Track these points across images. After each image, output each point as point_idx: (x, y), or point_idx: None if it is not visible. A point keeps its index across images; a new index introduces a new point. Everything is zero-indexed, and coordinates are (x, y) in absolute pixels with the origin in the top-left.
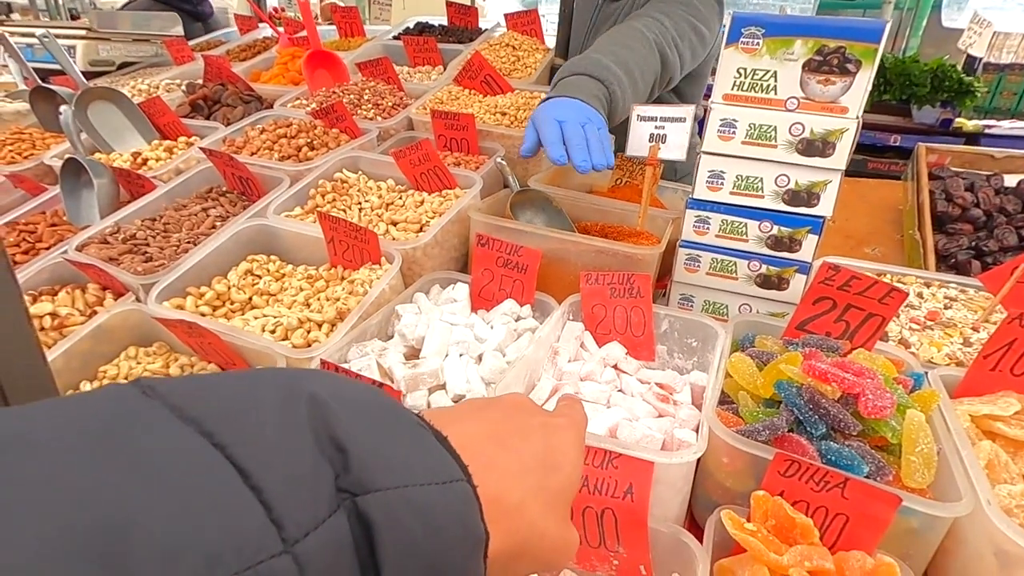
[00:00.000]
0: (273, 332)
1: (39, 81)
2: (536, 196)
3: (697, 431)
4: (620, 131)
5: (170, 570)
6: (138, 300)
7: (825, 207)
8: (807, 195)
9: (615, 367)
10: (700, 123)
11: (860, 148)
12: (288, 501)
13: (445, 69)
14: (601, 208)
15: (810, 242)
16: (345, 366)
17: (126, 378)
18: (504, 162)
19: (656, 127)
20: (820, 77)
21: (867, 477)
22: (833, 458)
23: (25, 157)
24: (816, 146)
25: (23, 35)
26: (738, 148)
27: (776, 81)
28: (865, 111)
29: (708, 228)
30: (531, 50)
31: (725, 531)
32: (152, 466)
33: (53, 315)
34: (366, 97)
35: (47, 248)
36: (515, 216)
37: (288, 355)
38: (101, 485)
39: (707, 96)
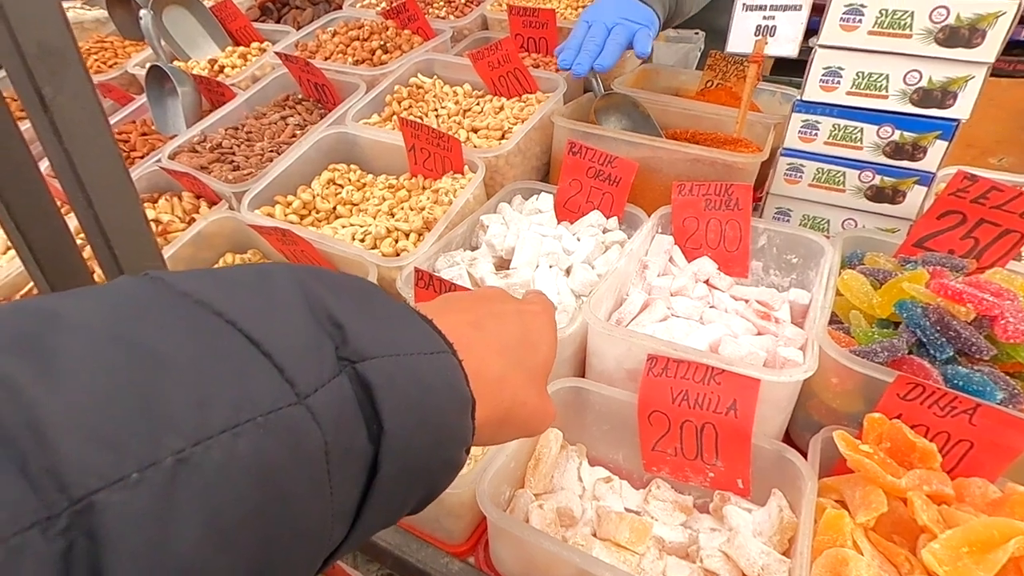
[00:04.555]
0: (363, 241)
1: None
2: (621, 100)
3: (803, 350)
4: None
5: (204, 414)
6: (231, 208)
7: (962, 108)
8: (941, 94)
9: (707, 282)
10: None
11: None
12: (297, 364)
13: None
14: (692, 113)
15: (937, 149)
16: (436, 275)
17: None
18: None
19: (765, 17)
20: None
21: (999, 404)
22: (961, 383)
23: (110, 66)
24: (961, 35)
25: None
26: (863, 40)
27: None
28: None
29: (816, 134)
30: None
31: (828, 451)
32: (174, 337)
33: (156, 221)
34: None
35: (141, 157)
36: (599, 122)
37: (379, 263)
38: (133, 351)
39: None
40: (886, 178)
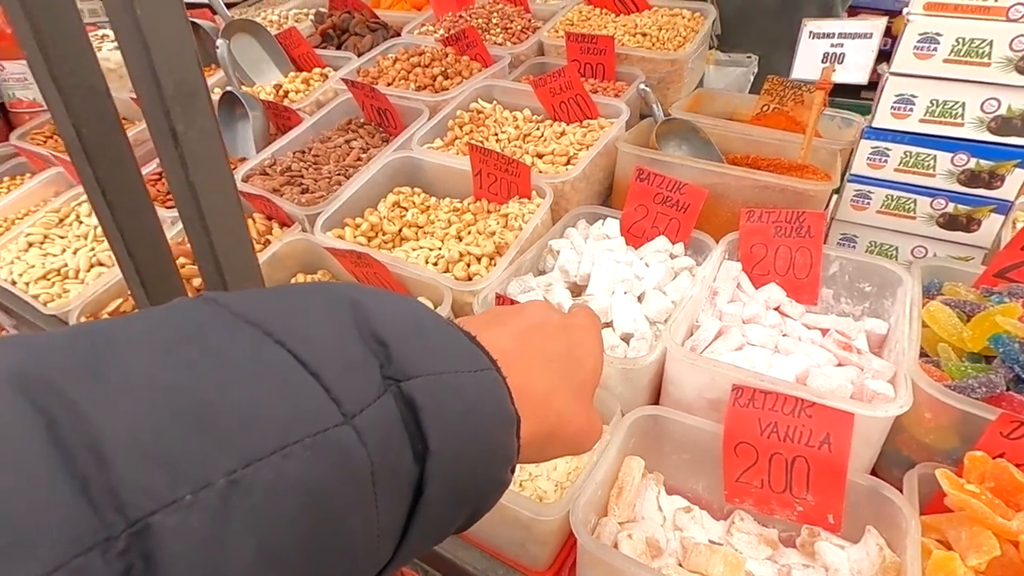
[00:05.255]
0: (435, 264)
1: None
2: (681, 126)
3: (894, 383)
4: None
5: (255, 435)
6: (304, 230)
7: None
8: (1021, 122)
9: (777, 309)
10: None
11: None
12: (343, 384)
13: None
14: (752, 138)
15: (1016, 177)
16: (517, 301)
17: None
18: (648, 89)
19: (832, 45)
20: None
21: None
22: None
23: None
24: None
25: None
26: (938, 68)
27: None
28: None
29: (886, 161)
30: None
31: (920, 488)
32: (226, 358)
33: None
34: (494, 21)
35: None
36: (660, 147)
37: (453, 287)
38: (187, 373)
39: (890, 14)
40: (960, 206)
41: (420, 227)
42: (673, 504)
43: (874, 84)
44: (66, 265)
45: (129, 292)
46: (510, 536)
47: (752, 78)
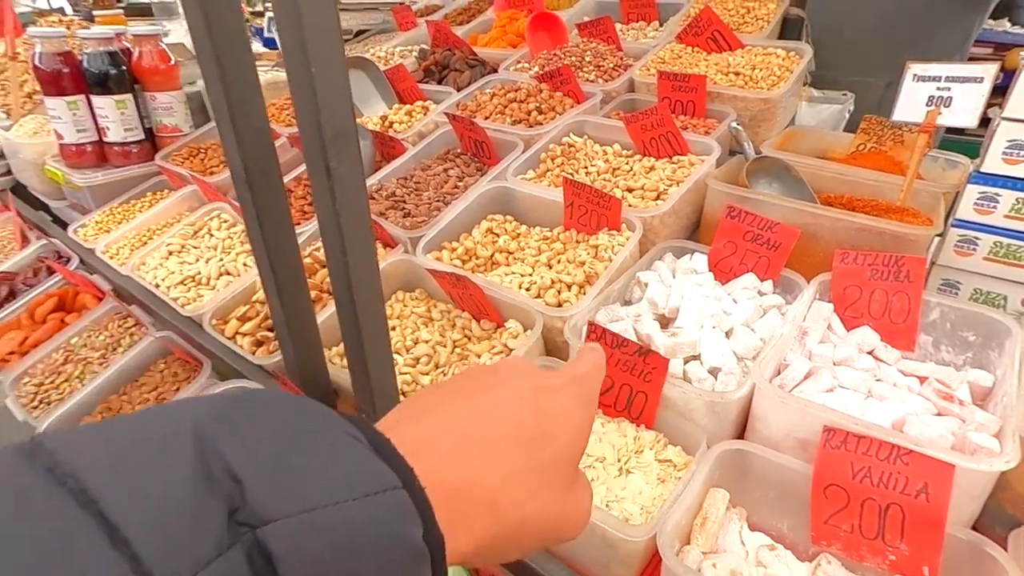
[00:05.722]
0: (528, 290)
1: None
2: (772, 164)
3: (999, 438)
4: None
5: None
6: (406, 251)
7: None
8: None
9: (871, 353)
10: None
11: None
12: (162, 550)
13: (661, 25)
14: (847, 178)
15: None
16: (609, 329)
17: (399, 318)
18: (739, 127)
19: (939, 88)
20: None
21: None
22: None
23: None
24: None
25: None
26: None
27: None
28: None
29: (996, 207)
30: (762, 0)
31: None
32: (6, 542)
33: None
34: (587, 59)
35: None
36: (750, 185)
37: (544, 312)
38: None
39: (999, 48)
40: None
41: (511, 253)
42: (756, 540)
43: (983, 121)
44: (199, 273)
45: (264, 299)
46: (595, 555)
47: (848, 116)
